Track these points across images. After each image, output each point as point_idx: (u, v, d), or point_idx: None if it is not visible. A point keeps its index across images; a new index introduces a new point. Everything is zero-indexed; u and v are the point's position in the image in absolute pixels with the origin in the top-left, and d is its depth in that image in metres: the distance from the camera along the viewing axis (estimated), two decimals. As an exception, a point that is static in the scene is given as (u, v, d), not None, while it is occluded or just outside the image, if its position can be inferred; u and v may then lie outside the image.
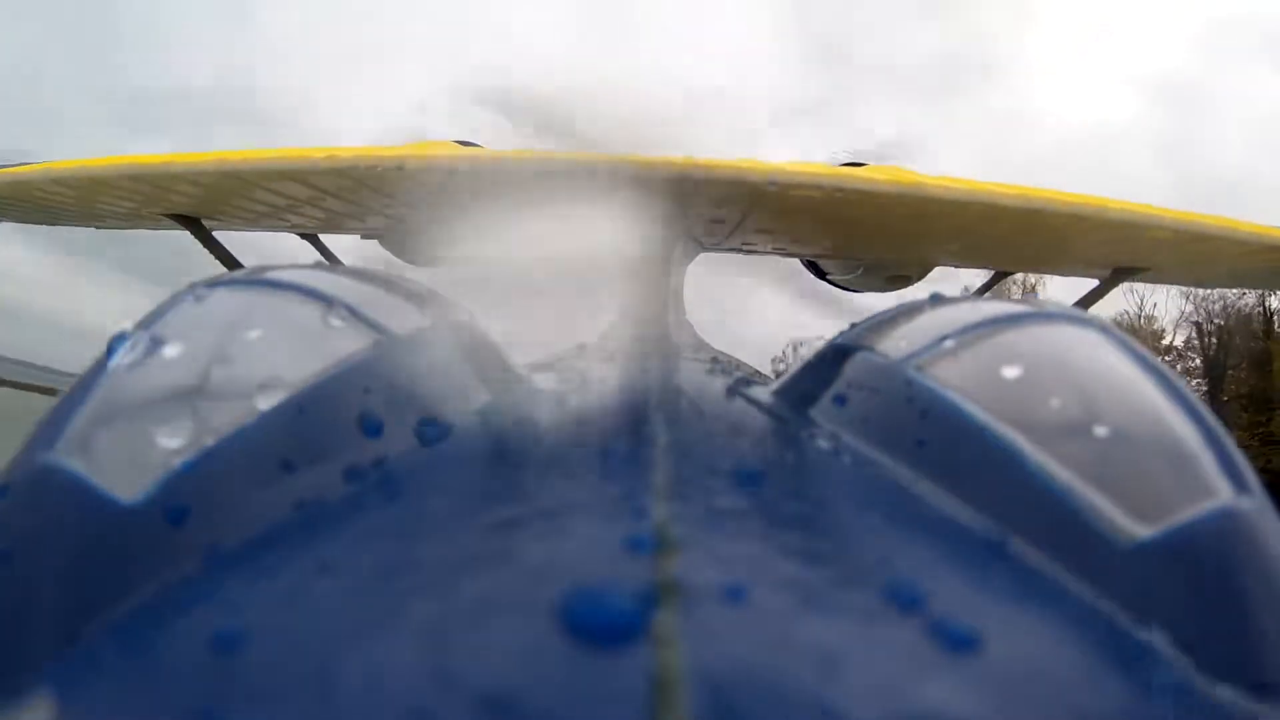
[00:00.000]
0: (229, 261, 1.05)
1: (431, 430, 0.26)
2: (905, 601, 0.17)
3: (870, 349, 0.30)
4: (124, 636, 0.18)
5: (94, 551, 0.20)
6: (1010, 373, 0.25)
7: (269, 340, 0.25)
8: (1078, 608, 0.20)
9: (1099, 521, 0.21)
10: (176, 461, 0.21)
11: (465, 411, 0.29)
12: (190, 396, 0.22)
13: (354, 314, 0.27)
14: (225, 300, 0.27)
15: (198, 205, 0.99)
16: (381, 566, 0.19)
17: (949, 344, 0.27)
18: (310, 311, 0.26)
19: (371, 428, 0.24)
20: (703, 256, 0.93)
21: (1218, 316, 12.22)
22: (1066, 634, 0.18)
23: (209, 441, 0.21)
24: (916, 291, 1.18)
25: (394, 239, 1.06)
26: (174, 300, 0.27)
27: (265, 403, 0.23)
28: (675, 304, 0.75)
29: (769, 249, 1.09)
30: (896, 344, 0.29)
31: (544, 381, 0.36)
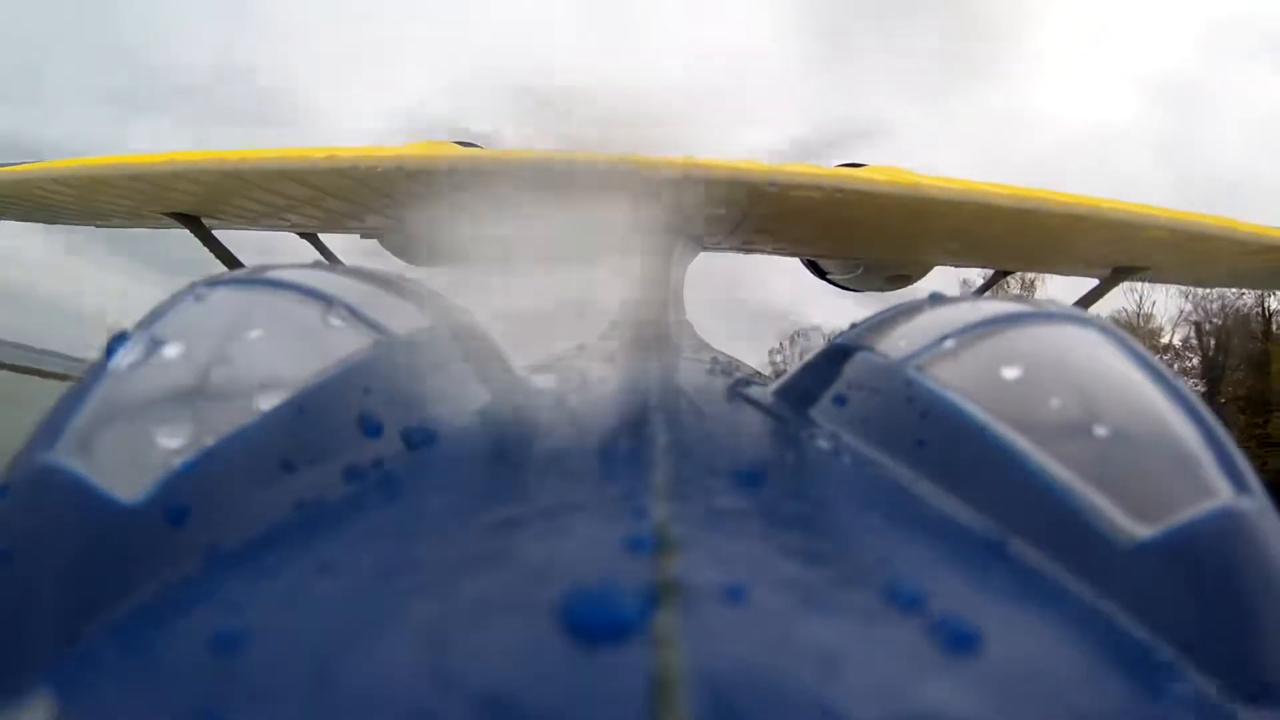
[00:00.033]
0: (229, 260, 1.05)
1: (431, 430, 0.26)
2: (905, 601, 0.17)
3: (870, 349, 0.30)
4: (124, 636, 0.18)
5: (94, 551, 0.20)
6: (1010, 373, 0.25)
7: (269, 340, 0.25)
8: (1078, 608, 0.20)
9: (1099, 521, 0.21)
10: (176, 461, 0.21)
11: (465, 411, 0.29)
12: (190, 396, 0.22)
13: (354, 314, 0.27)
14: (225, 300, 0.27)
15: (198, 204, 0.99)
16: (381, 566, 0.19)
17: (949, 344, 0.27)
18: (310, 311, 0.26)
19: (371, 428, 0.24)
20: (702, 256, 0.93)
21: (1215, 316, 12.18)
22: (1066, 634, 0.18)
23: (209, 441, 0.21)
24: (916, 291, 1.18)
25: (394, 239, 1.06)
26: (174, 300, 0.27)
27: (265, 403, 0.23)
28: (675, 304, 0.75)
29: (769, 249, 1.09)
30: (896, 344, 0.29)
31: (544, 381, 0.36)
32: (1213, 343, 12.12)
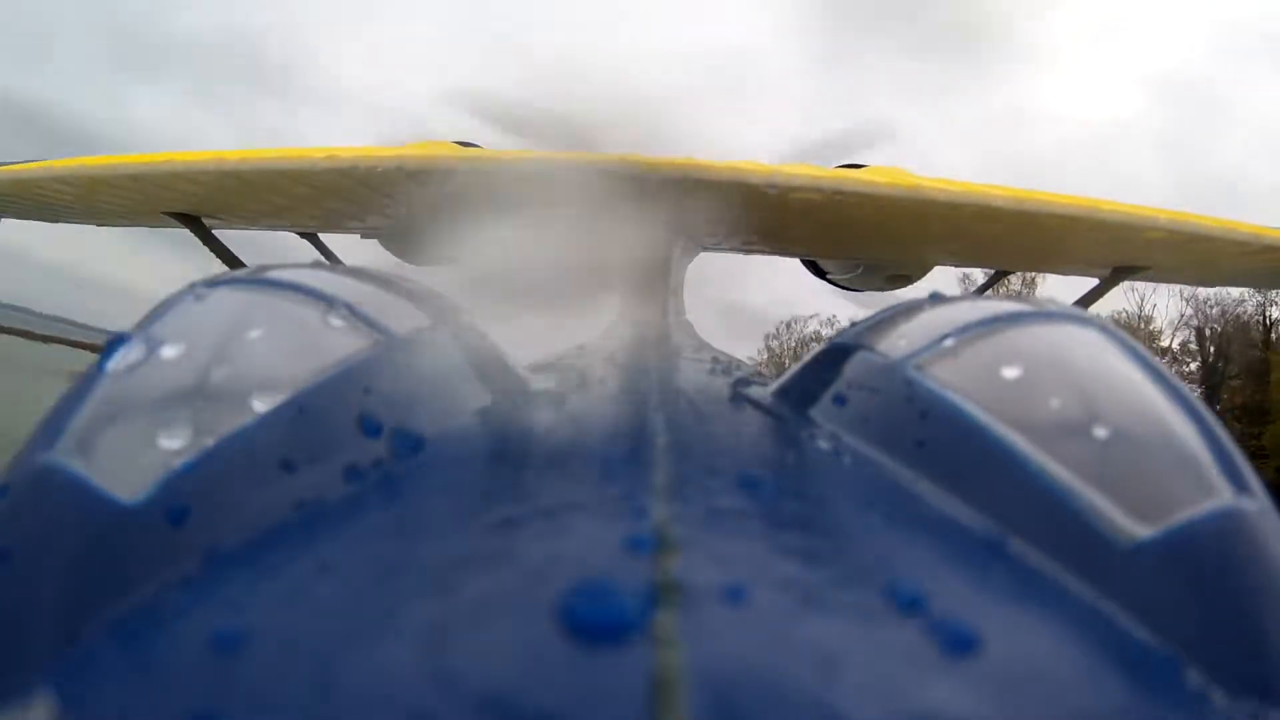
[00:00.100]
0: (229, 259, 1.05)
1: (431, 430, 0.26)
2: (905, 602, 0.17)
3: (870, 349, 0.30)
4: (124, 636, 0.18)
5: (94, 551, 0.20)
6: (1010, 372, 0.25)
7: (269, 340, 0.25)
8: (1078, 608, 0.20)
9: (1099, 521, 0.21)
10: (176, 462, 0.21)
11: (465, 411, 0.29)
12: (190, 396, 0.22)
13: (354, 314, 0.27)
14: (225, 300, 0.27)
15: (198, 204, 0.99)
16: (381, 566, 0.19)
17: (949, 343, 0.27)
18: (310, 311, 0.26)
19: (371, 428, 0.24)
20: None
21: (1215, 322, 12.10)
22: (1066, 634, 0.18)
23: (209, 442, 0.21)
24: (916, 291, 1.18)
25: (394, 239, 1.06)
26: (174, 300, 0.27)
27: (265, 403, 0.23)
28: (675, 304, 0.75)
29: (769, 249, 1.09)
30: (896, 343, 0.29)
31: (544, 381, 0.36)
32: (1212, 349, 12.05)
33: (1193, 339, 12.38)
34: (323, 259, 1.16)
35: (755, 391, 0.37)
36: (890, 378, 0.28)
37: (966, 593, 0.19)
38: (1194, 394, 0.25)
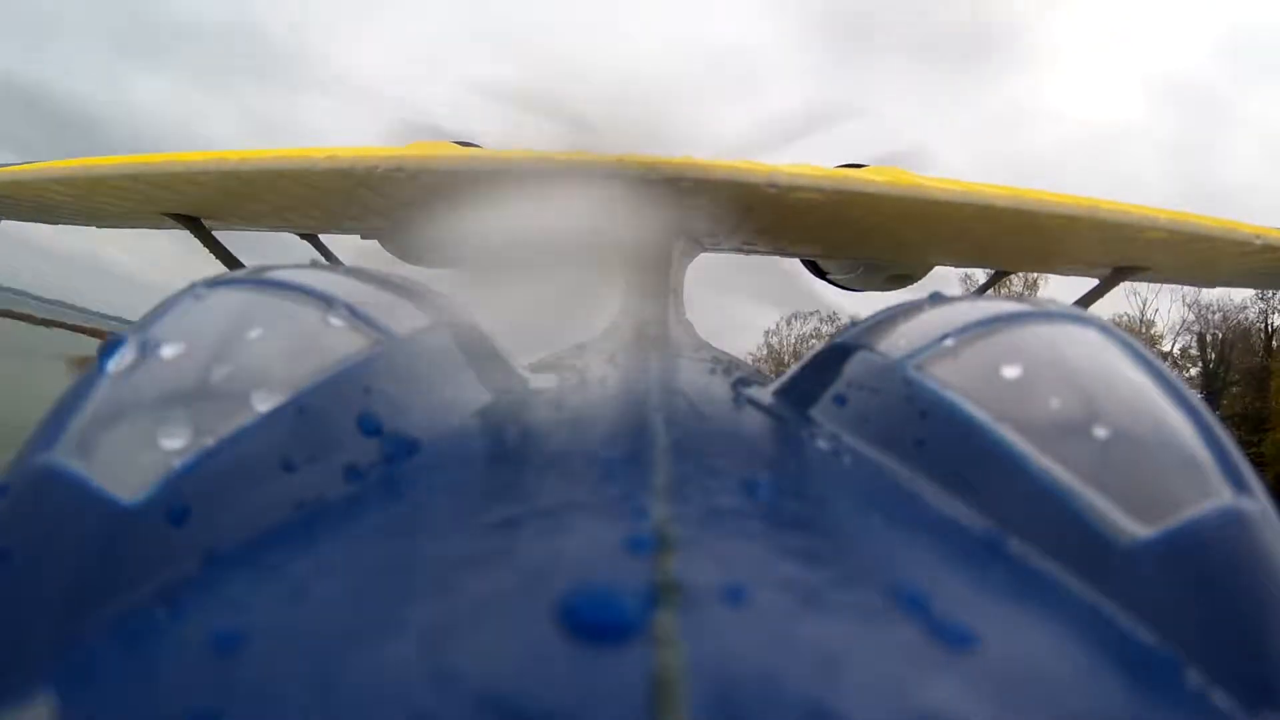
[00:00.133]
0: (229, 260, 1.05)
1: (431, 430, 0.26)
2: (905, 602, 0.17)
3: (870, 348, 0.30)
4: (124, 636, 0.18)
5: (94, 551, 0.20)
6: (1010, 372, 0.25)
7: (269, 340, 0.25)
8: (1078, 608, 0.20)
9: (1099, 521, 0.21)
10: (176, 462, 0.21)
11: (465, 411, 0.29)
12: (190, 396, 0.22)
13: (354, 314, 0.27)
14: (225, 300, 0.27)
15: (198, 205, 0.99)
16: (381, 566, 0.19)
17: (949, 343, 0.27)
18: (310, 311, 0.26)
19: (371, 428, 0.24)
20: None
21: (1217, 328, 12.04)
22: (1066, 634, 0.18)
23: (209, 441, 0.21)
24: (916, 291, 1.18)
25: (394, 239, 1.06)
26: (174, 300, 0.27)
27: (265, 403, 0.23)
28: (675, 304, 0.75)
29: (769, 249, 1.09)
30: (896, 343, 0.29)
31: (544, 381, 0.36)
32: (1213, 355, 11.98)
33: (1193, 345, 12.34)
34: (323, 259, 1.16)
35: (755, 391, 0.37)
36: (890, 377, 0.28)
37: (967, 593, 0.19)
38: (1195, 394, 0.25)
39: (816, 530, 0.21)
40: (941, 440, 0.25)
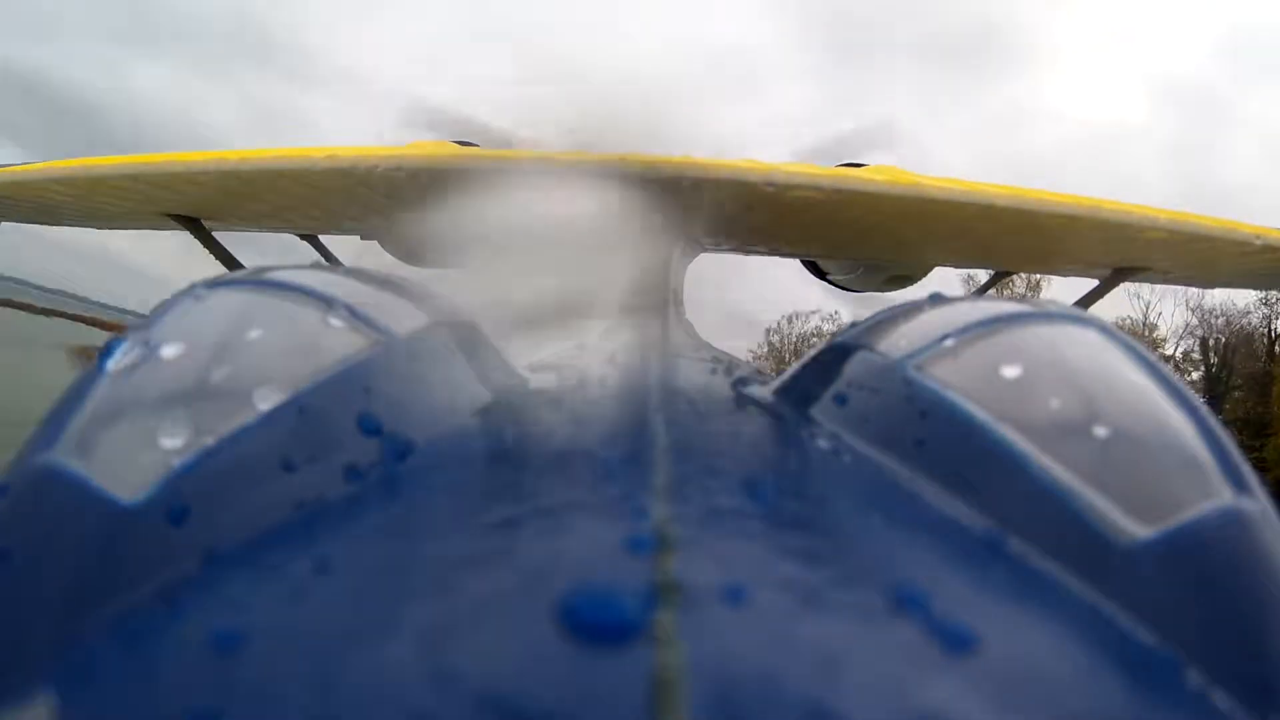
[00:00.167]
0: (228, 260, 1.05)
1: (431, 430, 0.26)
2: (905, 602, 0.17)
3: (870, 349, 0.30)
4: (124, 636, 0.18)
5: (94, 551, 0.20)
6: (1010, 372, 0.25)
7: (269, 340, 0.25)
8: (1078, 608, 0.20)
9: (1099, 521, 0.21)
10: (176, 461, 0.21)
11: (465, 411, 0.29)
12: (190, 396, 0.22)
13: (354, 314, 0.27)
14: (225, 300, 0.27)
15: (197, 205, 0.99)
16: (381, 566, 0.19)
17: (949, 344, 0.27)
18: (310, 312, 0.26)
19: (371, 428, 0.24)
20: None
21: (1219, 332, 11.98)
22: (1066, 635, 0.18)
23: (209, 441, 0.21)
24: (917, 291, 1.18)
25: (394, 239, 1.06)
26: (174, 300, 0.27)
27: (265, 403, 0.23)
28: (675, 304, 0.75)
29: (769, 249, 1.09)
30: (896, 344, 0.29)
31: (543, 381, 0.36)
32: (1215, 359, 11.92)
33: (1195, 349, 12.28)
34: (322, 260, 1.16)
35: (755, 391, 0.37)
36: (890, 378, 0.28)
37: (967, 593, 0.19)
38: (1194, 394, 0.25)
39: (816, 530, 0.21)
40: (941, 440, 0.25)
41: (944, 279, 1.19)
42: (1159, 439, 0.23)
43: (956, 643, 0.16)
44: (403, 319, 0.29)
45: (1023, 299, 0.32)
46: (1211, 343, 12.09)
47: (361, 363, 0.25)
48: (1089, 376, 0.25)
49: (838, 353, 0.32)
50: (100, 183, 0.92)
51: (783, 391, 0.34)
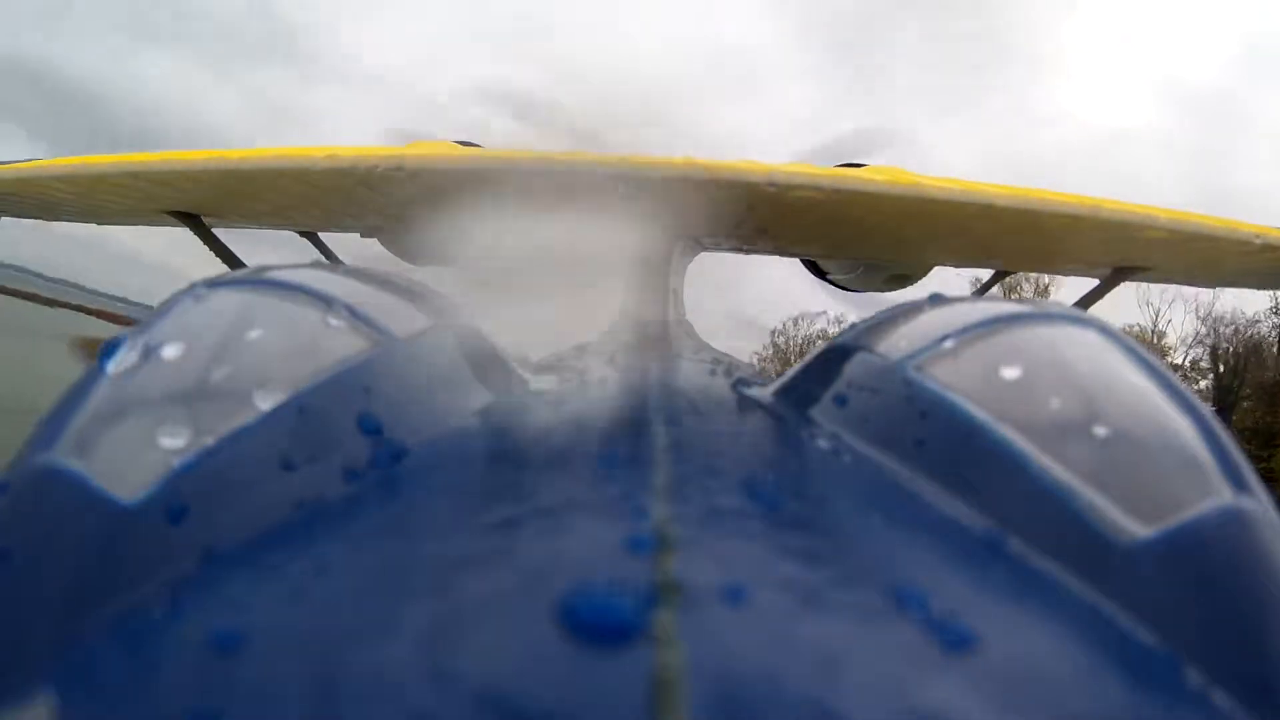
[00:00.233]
0: (228, 257, 1.05)
1: (431, 430, 0.26)
2: (905, 602, 0.17)
3: (870, 349, 0.30)
4: (124, 636, 0.18)
5: (94, 551, 0.20)
6: (1010, 373, 0.25)
7: (269, 340, 0.25)
8: (1078, 608, 0.20)
9: (1099, 521, 0.21)
10: (176, 461, 0.21)
11: (465, 411, 0.29)
12: (190, 396, 0.23)
13: (354, 314, 0.27)
14: (226, 300, 0.27)
15: (198, 203, 0.99)
16: (381, 566, 0.19)
17: (949, 344, 0.27)
18: (311, 311, 0.26)
19: (371, 428, 0.24)
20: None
21: (1228, 340, 11.88)
22: (1066, 635, 0.18)
23: (209, 441, 0.21)
24: (917, 291, 1.18)
25: (394, 237, 1.06)
26: (174, 300, 0.27)
27: (265, 403, 0.23)
28: (675, 304, 0.75)
29: (769, 249, 1.09)
30: (896, 344, 0.29)
31: (543, 381, 0.36)
32: (1223, 368, 11.82)
33: (1204, 357, 12.17)
34: (323, 258, 1.16)
35: (755, 392, 0.37)
36: (890, 378, 0.28)
37: (967, 593, 0.19)
38: (1194, 394, 0.25)
39: (816, 530, 0.21)
40: (941, 440, 0.25)
41: (944, 279, 1.19)
42: (1159, 438, 0.23)
43: (956, 643, 0.16)
44: (403, 319, 0.29)
45: (1023, 299, 0.32)
46: (1221, 352, 11.97)
47: (361, 363, 0.25)
48: (1089, 377, 0.25)
49: (838, 353, 0.33)
50: (101, 180, 0.92)
51: (783, 392, 0.35)
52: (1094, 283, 1.05)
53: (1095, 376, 0.25)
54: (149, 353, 0.24)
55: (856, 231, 0.97)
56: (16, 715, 0.16)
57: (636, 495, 0.20)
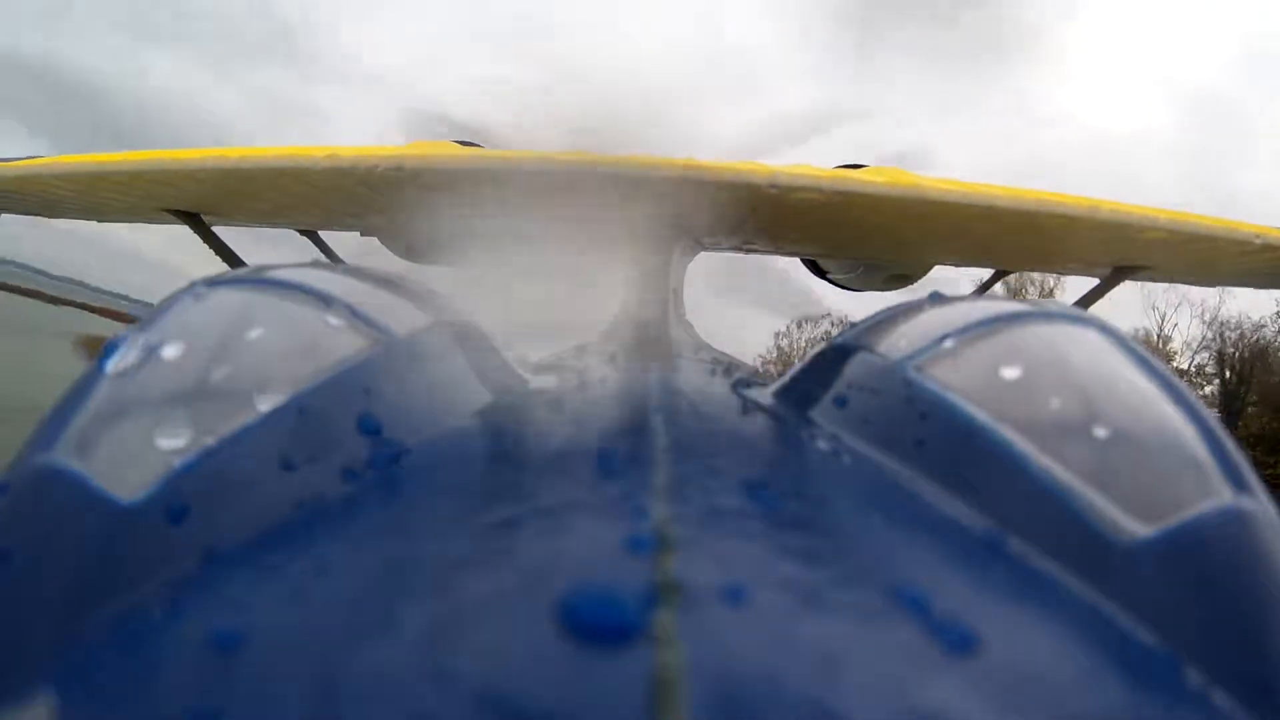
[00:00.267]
0: (228, 256, 1.05)
1: (431, 430, 0.26)
2: (905, 602, 0.17)
3: (870, 349, 0.30)
4: (124, 636, 0.18)
5: (94, 551, 0.20)
6: (1010, 372, 0.25)
7: (269, 340, 0.25)
8: (1078, 608, 0.20)
9: (1099, 521, 0.21)
10: (176, 461, 0.21)
11: (465, 411, 0.29)
12: (190, 396, 0.22)
13: (354, 314, 0.27)
14: (226, 299, 0.27)
15: (198, 201, 0.99)
16: (381, 566, 0.19)
17: (949, 344, 0.27)
18: (311, 311, 0.26)
19: (371, 427, 0.24)
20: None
21: (1233, 345, 11.79)
22: (1066, 634, 0.18)
23: (209, 441, 0.21)
24: (916, 291, 1.18)
25: (394, 237, 1.06)
26: (174, 299, 0.27)
27: (265, 403, 0.23)
28: (675, 304, 0.75)
29: (769, 249, 1.09)
30: (896, 344, 0.29)
31: (543, 381, 0.36)
32: (1230, 374, 11.73)
33: (1210, 362, 12.06)
34: (323, 258, 1.16)
35: (755, 392, 0.37)
36: (890, 378, 0.28)
37: (967, 593, 0.19)
38: (1194, 394, 0.25)
39: (816, 530, 0.21)
40: (941, 440, 0.25)
41: (944, 279, 1.19)
42: (1159, 438, 0.23)
43: (956, 643, 0.16)
44: (403, 319, 0.29)
45: (1022, 299, 0.32)
46: (1227, 356, 11.87)
47: (361, 363, 0.25)
48: (1089, 376, 0.25)
49: (837, 353, 0.33)
50: (101, 179, 0.92)
51: (783, 392, 0.35)
52: (1095, 282, 1.05)
53: (1095, 376, 0.25)
54: (149, 352, 0.24)
55: (857, 232, 0.97)
56: (16, 715, 0.16)
57: (636, 495, 0.20)
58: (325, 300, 0.27)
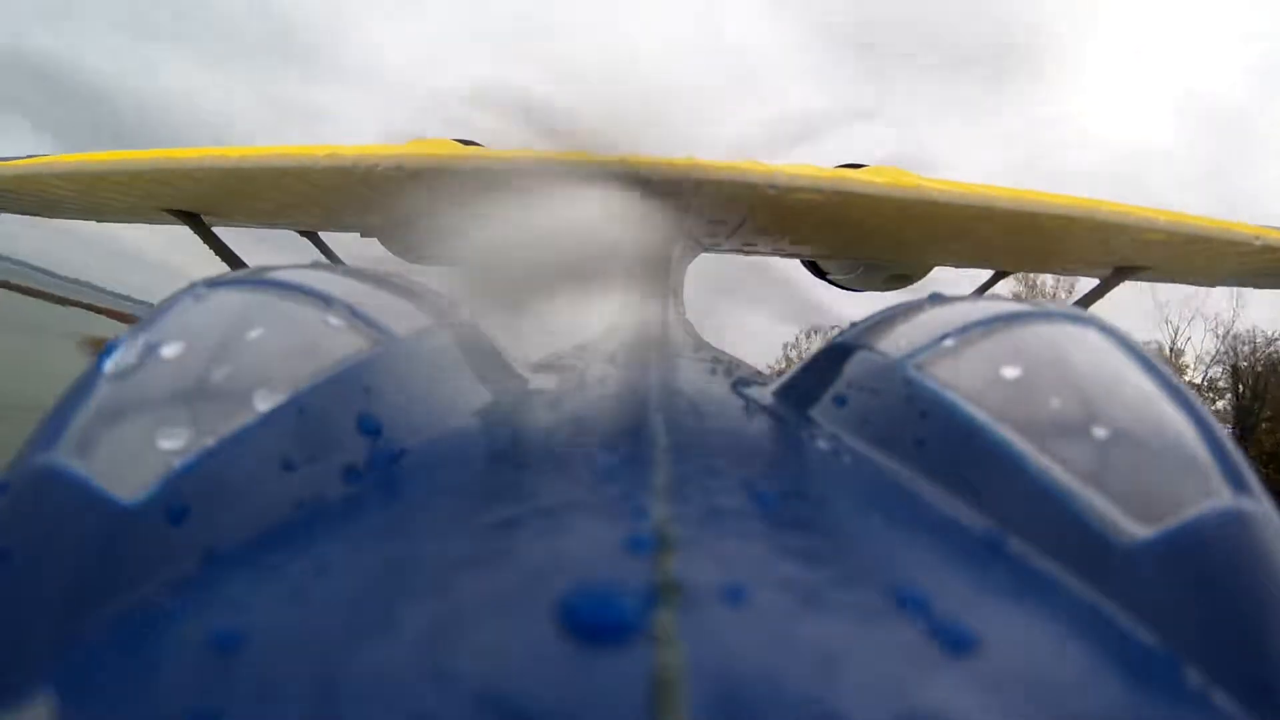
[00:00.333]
0: (228, 256, 1.05)
1: (431, 430, 0.26)
2: (905, 602, 0.17)
3: (870, 349, 0.30)
4: (124, 636, 0.18)
5: (94, 551, 0.20)
6: (1010, 372, 0.25)
7: (269, 340, 0.25)
8: (1078, 608, 0.20)
9: (1099, 521, 0.21)
10: (176, 461, 0.21)
11: (465, 411, 0.29)
12: (190, 396, 0.23)
13: (354, 314, 0.27)
14: (226, 300, 0.27)
15: (198, 201, 1.00)
16: (381, 566, 0.19)
17: (949, 344, 0.27)
18: (311, 311, 0.26)
19: (371, 428, 0.24)
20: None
21: (1246, 359, 11.70)
22: (1066, 634, 0.18)
23: (209, 441, 0.21)
24: (916, 291, 1.18)
25: (394, 237, 1.06)
26: (174, 299, 0.27)
27: (265, 403, 0.23)
28: (675, 304, 0.75)
29: (769, 249, 1.09)
30: (896, 344, 0.29)
31: (544, 381, 0.36)
32: (1243, 388, 11.64)
33: (1222, 376, 11.96)
34: (323, 258, 1.16)
35: (755, 391, 0.37)
36: (890, 378, 0.28)
37: (967, 593, 0.19)
38: (1194, 394, 0.25)
39: (816, 530, 0.21)
40: (941, 440, 0.25)
41: (944, 279, 1.19)
42: (1159, 439, 0.23)
43: (956, 643, 0.16)
44: (403, 319, 0.29)
45: (1022, 299, 0.32)
46: (1240, 371, 11.77)
47: (361, 363, 0.25)
48: (1089, 376, 0.25)
49: (838, 353, 0.33)
50: (101, 178, 0.92)
51: (783, 392, 0.35)
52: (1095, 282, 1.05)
53: (1095, 376, 0.25)
54: (149, 352, 0.24)
55: (857, 232, 0.97)
56: (16, 715, 0.16)
57: (636, 495, 0.20)
58: (325, 300, 0.27)
